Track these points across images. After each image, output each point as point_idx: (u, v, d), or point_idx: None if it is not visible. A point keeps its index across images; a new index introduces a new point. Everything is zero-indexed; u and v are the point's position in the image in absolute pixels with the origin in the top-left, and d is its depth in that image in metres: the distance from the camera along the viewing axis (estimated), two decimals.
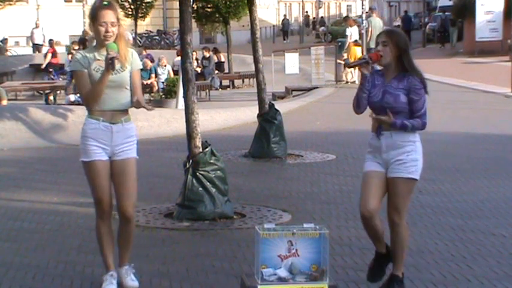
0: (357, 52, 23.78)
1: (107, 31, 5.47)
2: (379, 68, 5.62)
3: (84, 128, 5.60)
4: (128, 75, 5.59)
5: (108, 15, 5.47)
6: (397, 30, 5.82)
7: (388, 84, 5.54)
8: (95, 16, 5.50)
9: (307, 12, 69.57)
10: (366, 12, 24.42)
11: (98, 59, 5.53)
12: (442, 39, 43.97)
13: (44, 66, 30.52)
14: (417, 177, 5.60)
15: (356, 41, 24.35)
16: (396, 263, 5.67)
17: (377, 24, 23.46)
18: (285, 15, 60.56)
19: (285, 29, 57.06)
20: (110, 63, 5.38)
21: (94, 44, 5.70)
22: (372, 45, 22.80)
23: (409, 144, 5.52)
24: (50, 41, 32.67)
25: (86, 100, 5.59)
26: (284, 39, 55.19)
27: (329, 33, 50.80)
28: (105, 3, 5.49)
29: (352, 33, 24.77)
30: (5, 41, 38.37)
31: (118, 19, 5.53)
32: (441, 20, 45.20)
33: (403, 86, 5.50)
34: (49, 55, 30.97)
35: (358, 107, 5.62)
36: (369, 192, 5.54)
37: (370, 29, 23.15)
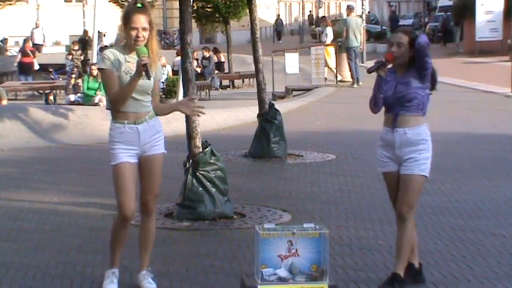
0: (330, 52, 24.09)
1: (137, 36, 5.41)
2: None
3: (111, 134, 5.58)
4: (153, 81, 5.56)
5: (140, 20, 5.40)
6: (412, 30, 5.83)
7: (400, 78, 5.61)
8: (127, 19, 5.43)
9: (311, 11, 69.51)
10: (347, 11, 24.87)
11: (128, 61, 5.49)
12: (444, 39, 44.22)
13: (15, 66, 30.03)
14: (428, 174, 5.70)
15: (332, 40, 24.61)
16: (399, 261, 5.68)
17: (353, 23, 23.56)
18: (278, 15, 59.98)
19: (278, 30, 56.54)
20: (144, 70, 5.32)
21: (122, 43, 5.61)
22: (352, 44, 23.04)
23: (422, 142, 5.62)
24: (24, 40, 32.16)
25: (112, 101, 5.51)
26: (278, 40, 54.56)
27: (326, 34, 50.88)
28: (139, 5, 5.43)
29: (329, 33, 25.09)
30: (5, 41, 38.38)
31: (151, 23, 5.47)
32: (443, 19, 45.39)
33: (414, 74, 5.57)
34: (19, 55, 30.21)
35: (376, 106, 5.70)
36: (394, 193, 5.75)
37: (345, 28, 23.25)
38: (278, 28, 56.60)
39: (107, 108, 5.69)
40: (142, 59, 5.34)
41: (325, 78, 24.02)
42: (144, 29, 5.42)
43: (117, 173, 5.56)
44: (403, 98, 5.55)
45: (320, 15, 66.18)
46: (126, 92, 5.43)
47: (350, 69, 23.42)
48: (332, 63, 24.21)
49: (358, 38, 23.51)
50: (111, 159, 5.59)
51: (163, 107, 5.79)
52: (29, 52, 29.95)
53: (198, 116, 5.69)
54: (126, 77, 5.46)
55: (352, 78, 23.29)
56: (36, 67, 30.17)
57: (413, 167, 5.60)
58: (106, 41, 32.16)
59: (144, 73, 5.35)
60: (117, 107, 5.51)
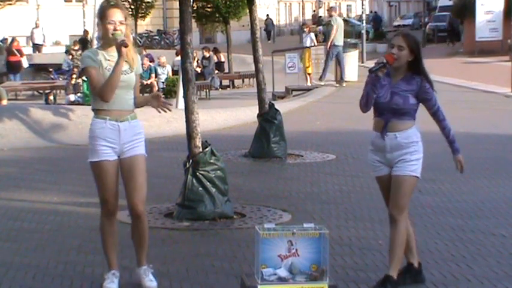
0: (308, 56, 24.47)
1: (115, 29, 5.48)
2: None
3: (92, 128, 5.60)
4: (134, 77, 5.63)
5: (116, 14, 5.50)
6: (413, 34, 5.83)
7: (396, 85, 5.61)
8: (103, 15, 5.50)
9: (314, 11, 69.57)
10: (328, 11, 25.12)
11: (108, 59, 5.54)
12: (450, 37, 45.22)
13: (3, 65, 29.94)
14: (419, 175, 5.71)
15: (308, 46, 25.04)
16: (393, 263, 5.66)
17: (340, 22, 23.87)
18: (267, 15, 59.66)
19: (268, 29, 56.32)
20: (122, 43, 5.38)
21: (98, 44, 5.70)
22: (338, 43, 23.13)
23: (412, 144, 5.64)
24: (12, 39, 32.04)
25: (101, 93, 5.50)
26: (268, 40, 54.22)
27: (323, 34, 51.22)
28: (112, 2, 5.51)
29: (311, 38, 25.50)
30: (5, 40, 38.36)
31: (126, 18, 5.56)
32: (449, 18, 45.94)
33: (412, 88, 5.60)
34: (5, 53, 30.24)
35: (366, 106, 5.68)
36: (389, 194, 5.74)
37: (335, 26, 23.33)
38: (268, 28, 56.43)
39: (92, 109, 5.69)
40: (118, 38, 5.40)
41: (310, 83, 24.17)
42: (121, 22, 5.50)
43: (98, 171, 5.58)
44: (399, 111, 5.59)
45: (319, 15, 66.27)
46: (113, 80, 5.45)
47: (325, 67, 23.61)
48: (310, 67, 24.46)
49: (342, 37, 23.78)
50: (90, 156, 5.59)
51: (139, 100, 5.76)
52: (15, 51, 29.96)
53: (164, 111, 5.70)
54: (107, 74, 5.50)
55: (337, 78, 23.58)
56: (25, 65, 30.15)
57: (404, 168, 5.61)
58: None
59: (123, 48, 5.40)
60: (107, 99, 5.50)
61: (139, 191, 5.64)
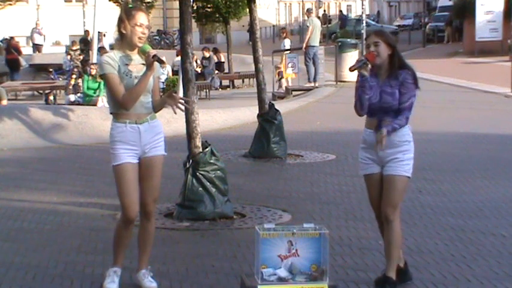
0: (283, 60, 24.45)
1: (143, 33, 5.47)
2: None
3: (112, 133, 5.58)
4: (153, 81, 5.60)
5: (144, 18, 5.49)
6: (384, 29, 5.97)
7: (383, 84, 5.64)
8: (132, 16, 5.46)
9: (325, 11, 69.77)
10: (306, 13, 25.30)
11: (126, 64, 5.51)
12: (454, 37, 45.77)
13: (4, 64, 30.04)
14: (410, 175, 5.73)
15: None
16: (390, 263, 5.66)
17: (317, 23, 24.09)
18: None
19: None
20: (157, 59, 5.39)
21: (117, 46, 5.66)
22: (313, 43, 23.34)
23: (405, 143, 5.66)
24: (11, 38, 32.13)
25: (123, 103, 5.48)
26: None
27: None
28: (131, 5, 5.53)
29: (286, 44, 25.38)
30: (5, 41, 38.36)
31: (149, 22, 5.57)
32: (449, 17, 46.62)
33: (397, 82, 5.61)
34: (4, 52, 30.33)
35: (362, 109, 5.68)
36: (376, 196, 5.76)
37: (311, 27, 23.55)
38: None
39: (110, 113, 5.66)
40: (150, 52, 5.40)
41: (286, 87, 24.19)
42: (147, 27, 5.50)
43: (119, 174, 5.55)
44: (389, 108, 5.61)
45: (320, 14, 66.30)
46: (138, 90, 5.45)
47: (308, 69, 23.75)
48: (287, 71, 24.54)
49: (318, 38, 23.99)
50: (112, 160, 5.57)
51: (157, 103, 5.75)
52: (12, 49, 30.06)
53: (182, 110, 5.68)
54: (126, 78, 5.48)
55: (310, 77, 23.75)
56: (24, 64, 30.22)
57: (397, 168, 5.63)
58: (106, 41, 32.08)
59: (157, 62, 5.43)
60: (128, 108, 5.49)
61: (154, 191, 5.67)
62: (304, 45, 23.62)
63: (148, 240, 5.75)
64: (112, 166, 5.59)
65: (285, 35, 26.89)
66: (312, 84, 23.34)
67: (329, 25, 56.59)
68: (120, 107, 5.53)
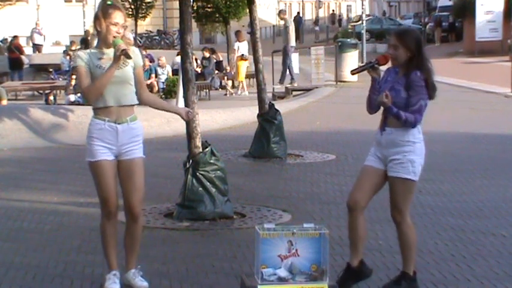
0: (243, 66, 24.52)
1: (118, 32, 5.52)
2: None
3: (90, 129, 5.61)
4: (131, 71, 5.62)
5: (121, 17, 5.54)
6: (408, 31, 5.72)
7: (396, 80, 5.56)
8: (108, 15, 5.51)
9: (333, 10, 69.94)
10: (280, 13, 25.78)
11: (101, 58, 5.56)
12: (457, 36, 45.81)
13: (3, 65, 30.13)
14: (415, 178, 5.62)
15: (243, 55, 24.81)
16: (405, 262, 5.69)
17: (293, 24, 24.60)
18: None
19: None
20: (124, 54, 5.41)
21: (95, 44, 5.73)
22: (292, 43, 23.81)
23: (408, 144, 5.55)
24: (14, 37, 32.16)
25: (86, 95, 5.62)
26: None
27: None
28: (109, 2, 5.53)
29: (240, 47, 25.09)
30: (5, 41, 38.37)
31: (125, 21, 5.62)
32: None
33: (407, 82, 5.50)
34: (4, 52, 30.44)
35: (370, 108, 5.70)
36: (360, 184, 5.79)
37: (291, 27, 23.81)
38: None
39: (92, 109, 5.71)
40: (119, 46, 5.44)
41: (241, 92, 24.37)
42: (123, 26, 5.55)
43: (96, 171, 5.60)
44: (394, 105, 5.48)
45: (320, 15, 66.15)
46: (101, 82, 5.47)
47: (290, 70, 23.90)
48: (242, 75, 24.59)
49: (294, 39, 24.37)
50: (88, 155, 5.60)
51: (162, 103, 5.78)
52: (13, 48, 30.10)
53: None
54: (98, 71, 5.52)
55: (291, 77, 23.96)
56: (26, 62, 30.30)
57: (397, 169, 5.56)
58: None
59: (124, 57, 5.44)
60: (92, 100, 5.56)
61: (138, 192, 5.65)
62: (290, 45, 23.78)
63: (136, 240, 5.74)
64: (88, 162, 5.62)
65: (241, 37, 26.84)
66: (296, 85, 23.58)
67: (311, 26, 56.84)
68: (87, 99, 5.61)
